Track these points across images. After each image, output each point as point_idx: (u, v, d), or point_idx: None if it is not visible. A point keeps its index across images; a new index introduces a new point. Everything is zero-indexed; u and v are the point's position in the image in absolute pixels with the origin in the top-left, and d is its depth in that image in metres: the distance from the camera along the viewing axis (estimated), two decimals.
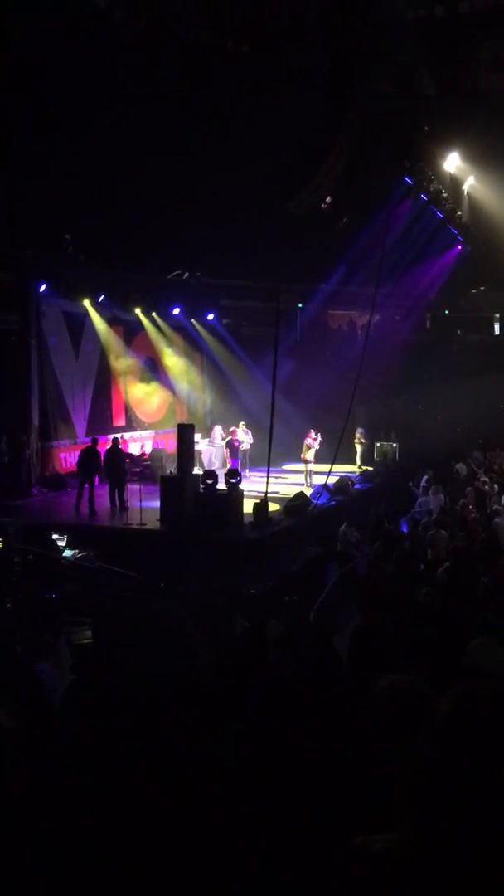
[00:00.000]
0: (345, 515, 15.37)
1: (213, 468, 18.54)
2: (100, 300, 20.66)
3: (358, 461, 23.29)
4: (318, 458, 20.00)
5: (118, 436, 19.14)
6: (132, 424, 22.86)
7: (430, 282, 27.80)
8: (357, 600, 9.36)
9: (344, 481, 19.35)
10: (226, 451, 20.78)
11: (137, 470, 19.25)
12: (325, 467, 17.30)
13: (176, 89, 15.11)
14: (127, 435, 21.21)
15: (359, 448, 23.38)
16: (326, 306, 28.31)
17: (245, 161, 15.92)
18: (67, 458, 19.89)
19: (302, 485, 19.67)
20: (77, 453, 19.52)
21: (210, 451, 20.56)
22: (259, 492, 16.06)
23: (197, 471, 17.54)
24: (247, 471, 19.60)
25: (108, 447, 17.52)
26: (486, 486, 17.23)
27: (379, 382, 23.12)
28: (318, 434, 20.19)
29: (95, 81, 14.25)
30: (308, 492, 18.11)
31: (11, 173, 14.87)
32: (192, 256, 21.77)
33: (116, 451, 17.33)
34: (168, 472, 17.96)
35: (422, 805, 1.36)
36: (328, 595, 11.27)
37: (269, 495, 15.60)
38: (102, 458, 17.01)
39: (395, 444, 24.68)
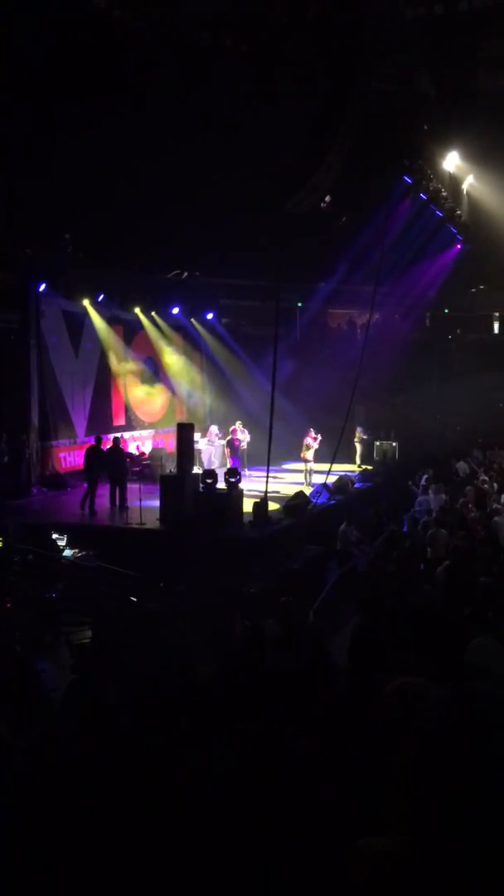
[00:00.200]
0: (344, 514, 15.37)
1: (212, 467, 18.55)
2: (99, 299, 20.64)
3: (357, 460, 23.28)
4: (318, 458, 20.00)
5: (119, 435, 19.16)
6: (132, 424, 22.86)
7: (429, 281, 27.78)
8: (357, 599, 9.38)
9: (344, 480, 19.36)
10: (226, 451, 20.78)
11: (137, 469, 19.25)
12: (325, 466, 17.29)
13: (176, 89, 15.12)
14: (127, 434, 21.20)
15: (358, 447, 23.38)
16: (326, 305, 28.29)
17: (244, 160, 15.94)
18: (67, 457, 19.89)
19: (302, 484, 19.68)
20: (76, 453, 19.55)
21: (210, 450, 20.56)
22: (259, 491, 16.05)
23: (196, 470, 17.55)
24: (245, 470, 19.59)
25: (109, 446, 17.54)
26: (486, 485, 17.24)
27: (379, 381, 23.08)
28: (318, 433, 20.20)
29: (95, 81, 14.26)
30: (308, 491, 18.11)
31: (11, 173, 14.88)
32: (192, 256, 21.81)
33: (117, 451, 17.34)
34: (168, 471, 17.93)
35: (422, 805, 1.36)
36: (328, 594, 11.30)
37: (268, 494, 15.60)
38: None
39: (394, 443, 24.65)
